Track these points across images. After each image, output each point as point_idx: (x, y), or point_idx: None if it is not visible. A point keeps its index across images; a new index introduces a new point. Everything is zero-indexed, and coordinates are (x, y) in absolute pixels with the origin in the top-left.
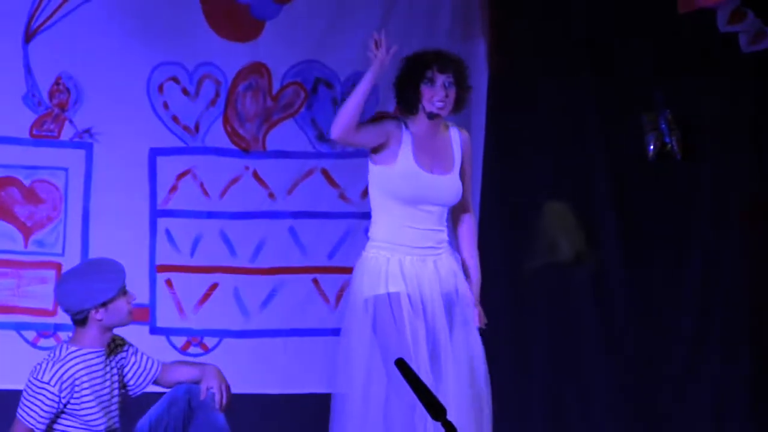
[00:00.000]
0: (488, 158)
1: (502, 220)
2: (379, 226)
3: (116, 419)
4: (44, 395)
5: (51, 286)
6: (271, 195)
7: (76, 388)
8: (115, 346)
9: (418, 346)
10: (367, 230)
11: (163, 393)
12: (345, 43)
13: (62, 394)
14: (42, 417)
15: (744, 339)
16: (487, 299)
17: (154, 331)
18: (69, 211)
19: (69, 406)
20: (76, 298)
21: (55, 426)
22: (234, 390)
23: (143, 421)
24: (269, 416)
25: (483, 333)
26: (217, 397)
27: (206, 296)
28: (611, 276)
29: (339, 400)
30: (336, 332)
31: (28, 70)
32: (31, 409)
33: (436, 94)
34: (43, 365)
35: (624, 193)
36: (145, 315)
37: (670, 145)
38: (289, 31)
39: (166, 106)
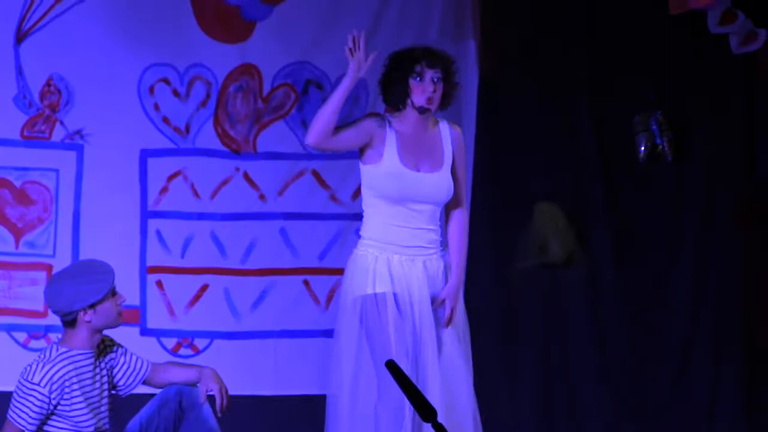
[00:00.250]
0: (479, 159)
1: (493, 221)
2: (369, 225)
3: (106, 420)
4: (34, 396)
5: (42, 287)
6: (261, 196)
7: (66, 389)
8: (105, 347)
9: (401, 348)
10: (357, 231)
11: (154, 394)
12: (336, 44)
13: (52, 396)
14: (32, 418)
15: (735, 339)
16: (477, 300)
17: (145, 332)
18: (60, 212)
19: (59, 408)
20: (64, 299)
21: (46, 427)
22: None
23: (134, 422)
24: (260, 417)
25: (473, 334)
26: (219, 400)
27: (197, 297)
28: (602, 277)
29: (330, 401)
30: (327, 333)
31: (19, 71)
32: (22, 410)
33: (424, 89)
34: (33, 366)
35: (615, 194)
36: (136, 316)
37: (661, 147)
38: (279, 33)
39: (156, 107)
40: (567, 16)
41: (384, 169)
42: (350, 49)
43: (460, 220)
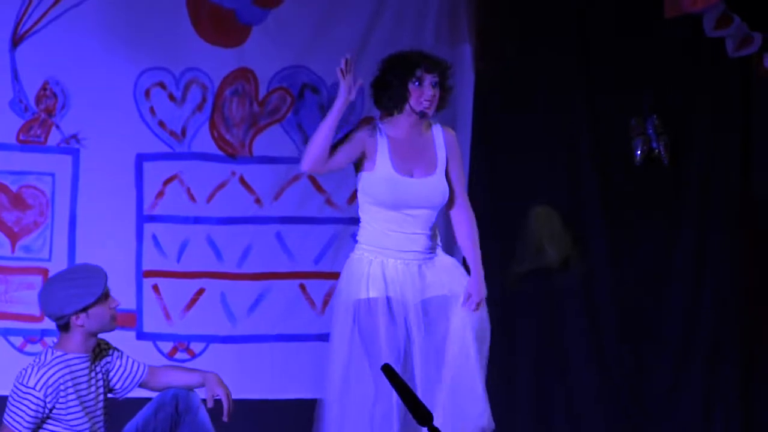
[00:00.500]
0: (475, 162)
1: (489, 224)
2: (365, 230)
3: (101, 424)
4: (30, 400)
5: (38, 291)
6: (257, 200)
7: (62, 393)
8: (101, 351)
9: (393, 352)
10: (353, 235)
11: (151, 398)
12: (331, 48)
13: (47, 399)
14: (28, 422)
15: (732, 343)
16: None
17: (141, 336)
18: (56, 216)
19: (55, 411)
20: (56, 303)
21: (42, 431)
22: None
23: (130, 426)
24: (256, 422)
25: None
26: (226, 405)
27: (193, 301)
28: (598, 280)
29: (321, 404)
30: (323, 337)
31: (14, 75)
32: (18, 414)
33: (423, 94)
34: (29, 370)
35: (611, 197)
36: (132, 320)
37: (657, 150)
38: (275, 37)
39: (152, 111)
40: (563, 19)
41: (377, 176)
42: (341, 71)
43: (464, 219)
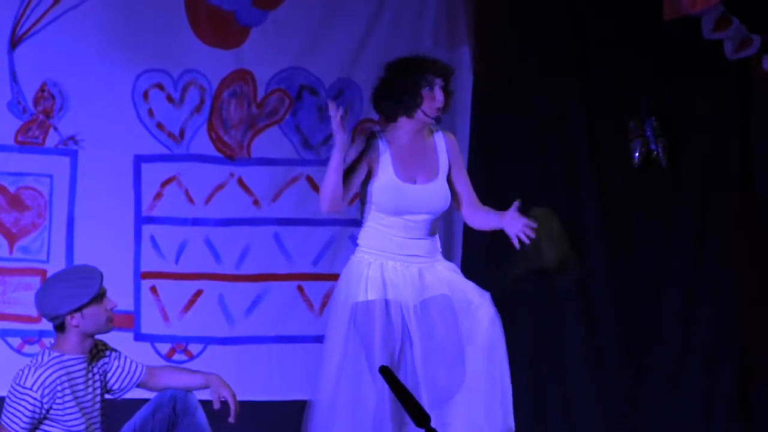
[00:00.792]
0: (473, 164)
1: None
2: (367, 234)
3: (98, 425)
4: (26, 401)
5: (35, 292)
6: (255, 202)
7: (58, 394)
8: (98, 352)
9: (386, 354)
10: (352, 237)
11: (149, 399)
12: (330, 50)
13: (44, 400)
14: (25, 422)
15: (730, 344)
16: None
17: (139, 337)
18: (54, 217)
19: (51, 412)
20: (51, 303)
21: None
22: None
23: (128, 427)
24: (253, 423)
25: None
26: (233, 406)
27: (191, 303)
28: (596, 282)
29: (311, 404)
30: (320, 339)
31: (13, 77)
32: (15, 415)
33: (435, 99)
34: (26, 371)
35: (609, 199)
36: (130, 322)
37: (655, 152)
38: (273, 39)
39: (150, 113)
40: (561, 21)
41: (380, 184)
42: (341, 120)
43: (480, 209)
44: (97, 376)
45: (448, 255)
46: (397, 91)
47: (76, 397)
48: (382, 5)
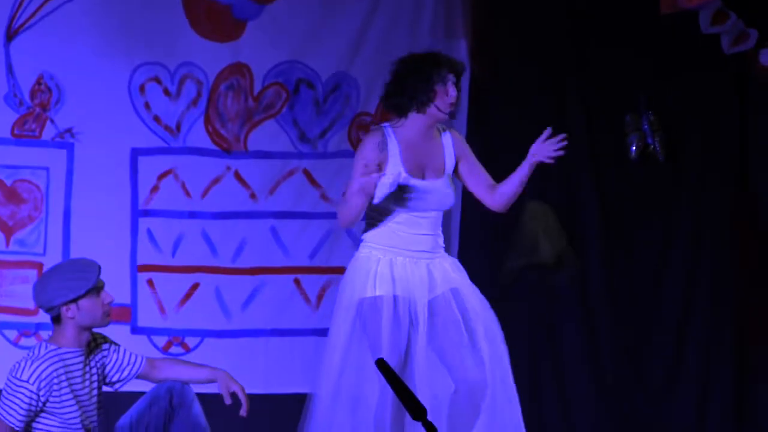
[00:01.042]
0: None
1: (483, 220)
2: (373, 229)
3: (95, 418)
4: (23, 393)
5: (32, 285)
6: (252, 195)
7: (55, 387)
8: (96, 345)
9: (395, 351)
10: (349, 231)
11: (145, 392)
12: (327, 43)
13: (41, 393)
14: (21, 415)
15: (727, 340)
16: None
17: (136, 330)
18: (50, 210)
19: (48, 405)
20: (47, 294)
21: (35, 424)
22: (215, 387)
23: (124, 420)
24: (250, 416)
25: None
26: (244, 400)
27: (187, 296)
28: (592, 277)
29: (311, 399)
30: (317, 332)
31: (9, 69)
32: (11, 408)
33: (449, 94)
34: (22, 364)
35: (606, 193)
36: (127, 315)
37: (652, 146)
38: (270, 32)
39: (147, 106)
40: (558, 15)
41: (389, 179)
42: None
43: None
44: (94, 369)
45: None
46: (411, 86)
47: (73, 390)
48: None
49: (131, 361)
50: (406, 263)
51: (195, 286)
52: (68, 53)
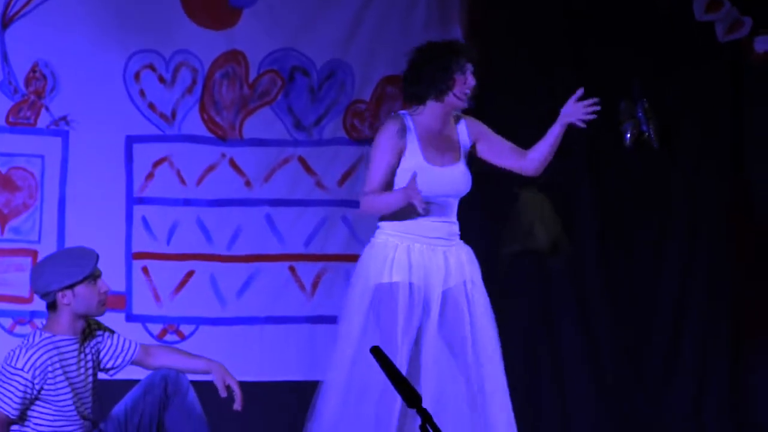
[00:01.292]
0: None
1: (478, 209)
2: (390, 215)
3: (89, 405)
4: (18, 381)
5: (27, 273)
6: (247, 183)
7: (50, 374)
8: (91, 332)
9: (407, 338)
10: (344, 218)
11: (140, 380)
12: (322, 31)
13: (35, 380)
14: (16, 403)
15: (723, 330)
16: None
17: (130, 318)
18: (45, 198)
19: (43, 392)
20: (43, 280)
21: (30, 412)
22: (209, 377)
23: (119, 408)
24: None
25: None
26: (238, 394)
27: (182, 284)
28: (588, 267)
29: (322, 386)
30: (312, 320)
31: (4, 57)
32: (6, 396)
33: (467, 83)
34: (17, 351)
35: (601, 181)
36: (122, 302)
37: (647, 134)
38: (266, 19)
39: (142, 93)
40: (552, 3)
41: (408, 166)
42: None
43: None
44: (89, 356)
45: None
46: (430, 74)
47: (68, 378)
48: None
49: (125, 347)
50: (423, 250)
51: (190, 274)
52: (63, 41)
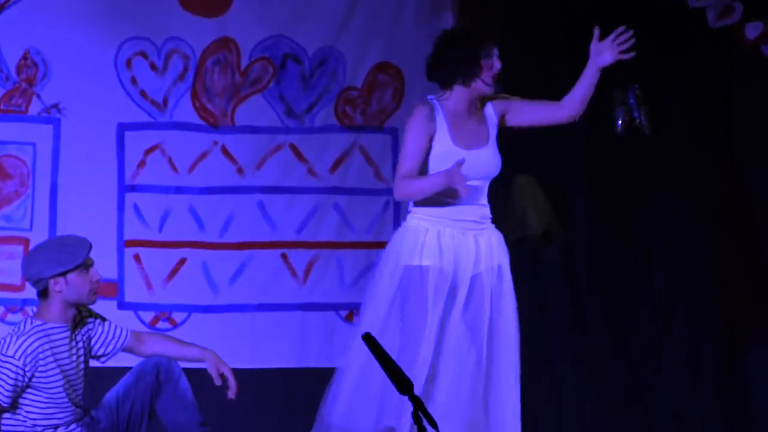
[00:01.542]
0: None
1: None
2: (421, 200)
3: (81, 392)
4: (9, 369)
5: (19, 261)
6: (239, 170)
7: (41, 362)
8: (81, 319)
9: (433, 322)
10: (336, 205)
11: (131, 368)
12: (314, 18)
13: (26, 368)
14: (8, 391)
15: (714, 315)
16: None
17: (122, 306)
18: (37, 186)
19: (34, 380)
20: (35, 266)
21: (21, 400)
22: (202, 365)
23: (110, 395)
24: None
25: None
26: (232, 382)
27: (174, 271)
28: (580, 251)
29: (340, 370)
30: (304, 307)
31: None
32: None
33: (492, 67)
34: (7, 339)
35: (594, 166)
36: (113, 290)
37: (638, 120)
38: (257, 7)
39: (134, 81)
40: None
41: (438, 151)
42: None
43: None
44: (80, 344)
45: None
46: (456, 60)
47: (60, 365)
48: None
49: (116, 334)
50: (454, 234)
51: (182, 262)
52: (55, 28)
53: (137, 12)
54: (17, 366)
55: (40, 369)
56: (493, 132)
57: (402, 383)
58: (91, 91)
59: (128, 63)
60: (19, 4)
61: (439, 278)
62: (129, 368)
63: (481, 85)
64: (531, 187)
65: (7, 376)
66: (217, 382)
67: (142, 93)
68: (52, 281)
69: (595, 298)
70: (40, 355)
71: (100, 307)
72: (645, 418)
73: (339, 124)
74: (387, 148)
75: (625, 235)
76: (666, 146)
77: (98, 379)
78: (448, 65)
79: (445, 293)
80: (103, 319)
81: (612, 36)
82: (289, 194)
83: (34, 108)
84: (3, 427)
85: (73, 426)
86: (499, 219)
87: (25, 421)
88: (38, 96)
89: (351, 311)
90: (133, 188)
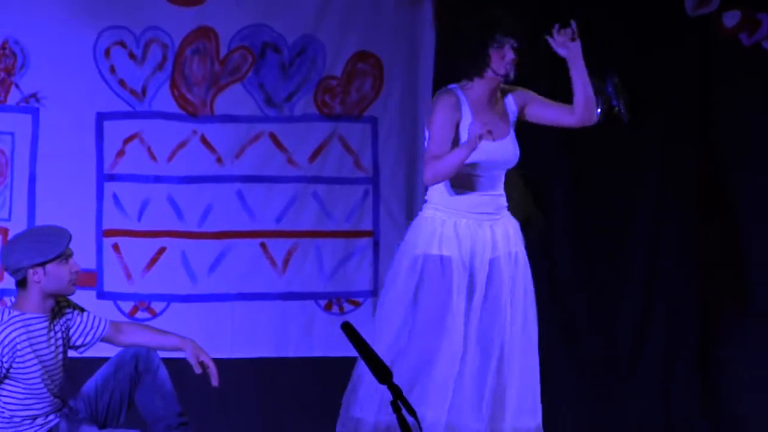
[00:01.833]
0: None
1: None
2: (437, 190)
3: (59, 384)
4: None
5: None
6: (218, 159)
7: (18, 352)
8: (60, 310)
9: (459, 310)
10: (315, 194)
11: (110, 358)
12: (293, 7)
13: (4, 358)
14: None
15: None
16: None
17: (102, 295)
18: (15, 175)
19: (12, 371)
20: (14, 256)
21: (0, 390)
22: (182, 354)
23: (89, 385)
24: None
25: None
26: (213, 370)
27: (154, 261)
28: (558, 238)
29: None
30: (283, 296)
31: None
32: None
33: (504, 58)
34: None
35: (573, 154)
36: (93, 280)
37: (617, 108)
38: None
39: (112, 70)
40: None
41: (465, 139)
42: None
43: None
44: (59, 334)
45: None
46: (466, 51)
47: (38, 356)
48: None
49: (95, 324)
50: (470, 224)
51: (161, 251)
52: (33, 18)
53: (116, 1)
54: None
55: (17, 359)
56: (513, 122)
57: (381, 373)
58: (70, 80)
59: (107, 52)
60: None
61: (460, 269)
62: (108, 358)
63: (492, 75)
64: (510, 176)
65: None
66: (197, 370)
67: (121, 82)
68: (30, 271)
69: (575, 289)
70: (18, 346)
71: (78, 297)
72: (625, 404)
73: (318, 113)
74: (366, 137)
75: (605, 227)
76: (644, 135)
77: (77, 369)
78: (460, 56)
79: (465, 284)
80: (82, 310)
81: (554, 32)
82: (269, 183)
83: (13, 97)
84: None
85: (51, 416)
86: None
87: (3, 412)
88: (17, 85)
89: (330, 301)
90: (112, 177)
